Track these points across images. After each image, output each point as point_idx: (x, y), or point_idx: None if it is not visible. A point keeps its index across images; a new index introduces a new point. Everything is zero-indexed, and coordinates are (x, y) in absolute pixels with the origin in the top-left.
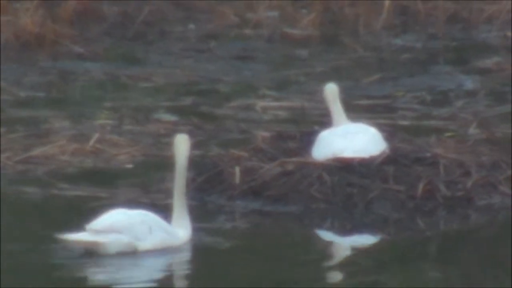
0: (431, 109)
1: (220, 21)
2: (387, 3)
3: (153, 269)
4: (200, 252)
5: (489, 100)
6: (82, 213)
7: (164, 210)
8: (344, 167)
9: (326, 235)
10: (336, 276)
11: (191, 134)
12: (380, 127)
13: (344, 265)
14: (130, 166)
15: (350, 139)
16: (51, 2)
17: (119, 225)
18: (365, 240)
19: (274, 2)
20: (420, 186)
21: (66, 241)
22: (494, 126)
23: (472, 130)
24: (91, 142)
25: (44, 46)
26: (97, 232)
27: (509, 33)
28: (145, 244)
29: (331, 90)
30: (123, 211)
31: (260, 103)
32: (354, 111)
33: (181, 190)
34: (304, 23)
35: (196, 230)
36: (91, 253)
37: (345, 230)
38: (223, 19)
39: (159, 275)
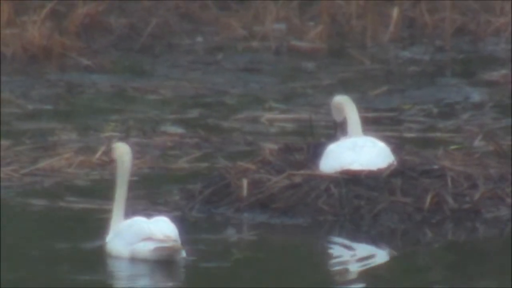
0: (437, 121)
1: (227, 34)
2: (394, 15)
3: (156, 279)
4: (207, 263)
5: (495, 112)
6: (88, 225)
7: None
8: (352, 180)
9: (333, 247)
10: None
11: (198, 146)
12: (387, 140)
13: (351, 278)
14: (136, 178)
15: (358, 152)
16: (58, 14)
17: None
18: (373, 252)
19: (281, 15)
20: (428, 199)
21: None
22: (500, 138)
23: (478, 143)
24: (98, 154)
25: (52, 58)
26: (171, 239)
27: None
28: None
29: (347, 101)
30: (159, 219)
31: (267, 115)
32: (361, 124)
33: (122, 197)
34: (311, 35)
35: (204, 242)
36: (163, 260)
37: (352, 243)
38: (230, 32)
39: (162, 285)
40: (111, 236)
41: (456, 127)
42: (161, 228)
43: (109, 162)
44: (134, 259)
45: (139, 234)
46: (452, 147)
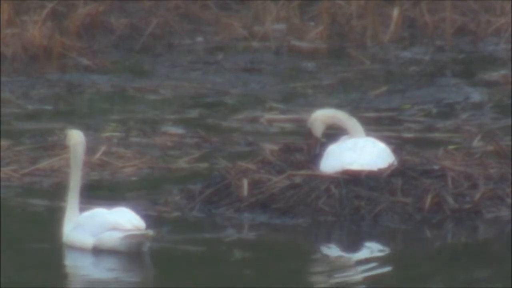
0: (436, 121)
1: (227, 34)
2: (395, 15)
3: (161, 277)
4: (208, 263)
5: (495, 112)
6: None
7: (172, 222)
8: (352, 180)
9: (333, 247)
10: None
11: (198, 146)
12: (387, 140)
13: (352, 278)
14: (136, 178)
15: (359, 152)
16: (59, 15)
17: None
18: (373, 252)
19: (282, 15)
20: (428, 199)
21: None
22: (499, 138)
23: (477, 143)
24: (98, 154)
25: (52, 58)
26: (139, 229)
27: None
28: None
29: (336, 112)
30: (121, 209)
31: (267, 116)
32: (361, 124)
33: (76, 187)
34: (311, 35)
35: (205, 242)
36: (134, 248)
37: (353, 243)
38: (231, 32)
39: (165, 284)
40: (70, 227)
41: (455, 127)
42: (127, 218)
43: (62, 148)
44: (99, 250)
45: (105, 224)
46: (450, 146)
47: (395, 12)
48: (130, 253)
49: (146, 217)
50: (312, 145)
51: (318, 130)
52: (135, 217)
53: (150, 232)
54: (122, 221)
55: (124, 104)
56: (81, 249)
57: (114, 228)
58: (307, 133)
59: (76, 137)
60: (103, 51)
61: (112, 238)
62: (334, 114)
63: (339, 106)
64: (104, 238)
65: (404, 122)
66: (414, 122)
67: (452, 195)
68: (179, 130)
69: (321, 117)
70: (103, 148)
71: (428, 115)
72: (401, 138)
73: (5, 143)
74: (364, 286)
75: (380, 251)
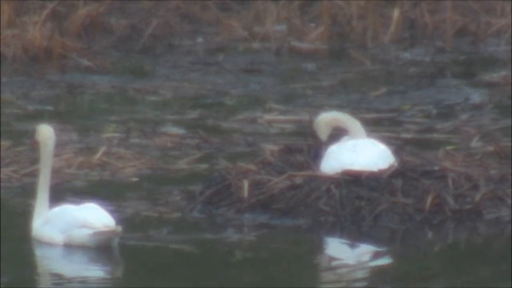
0: (435, 122)
1: (228, 35)
2: (395, 16)
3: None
4: (208, 264)
5: (494, 113)
6: None
7: (172, 223)
8: (353, 181)
9: (334, 248)
10: None
11: (198, 147)
12: (386, 141)
13: (352, 278)
14: (136, 179)
15: (359, 153)
16: (59, 15)
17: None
18: (373, 253)
19: (282, 16)
20: (429, 199)
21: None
22: (497, 139)
23: (475, 144)
24: (98, 155)
25: (52, 59)
26: (109, 226)
27: None
28: None
29: (339, 114)
30: (90, 206)
31: (267, 116)
32: (361, 125)
33: (46, 182)
34: (312, 36)
35: (205, 243)
36: (103, 244)
37: (353, 243)
38: (231, 33)
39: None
40: (39, 222)
41: (453, 128)
42: (96, 216)
43: (32, 144)
44: (68, 246)
45: (74, 222)
46: (448, 147)
47: (396, 13)
48: (100, 248)
49: (146, 218)
50: (315, 146)
51: (323, 133)
52: (104, 214)
53: (119, 229)
54: (91, 218)
55: (124, 105)
56: (50, 245)
57: (83, 226)
58: (311, 135)
59: (46, 133)
60: (103, 51)
61: (81, 235)
62: (337, 116)
63: (339, 107)
64: (73, 235)
65: (403, 123)
66: (413, 123)
67: (452, 196)
68: (180, 131)
69: (325, 120)
70: (103, 149)
71: (427, 116)
72: (400, 139)
73: (5, 143)
74: (364, 286)
75: (380, 251)
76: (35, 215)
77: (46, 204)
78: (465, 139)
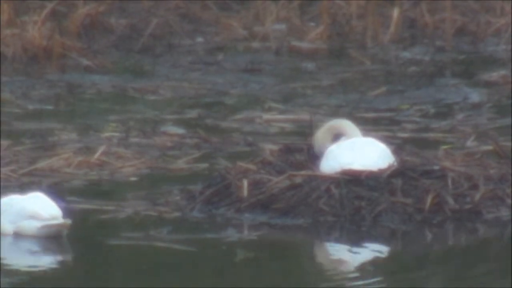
0: (432, 121)
1: (227, 34)
2: (395, 16)
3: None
4: (208, 264)
5: (492, 113)
6: (87, 225)
7: (172, 223)
8: (352, 180)
9: (334, 248)
10: None
11: (198, 147)
12: (385, 140)
13: (352, 279)
14: (135, 178)
15: (358, 152)
16: (59, 15)
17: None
18: (373, 253)
19: (282, 15)
20: (428, 199)
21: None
22: (494, 138)
23: (470, 143)
24: (97, 154)
25: (52, 59)
26: (56, 218)
27: None
28: None
29: (331, 124)
30: (36, 195)
31: (267, 116)
32: (359, 124)
33: None
34: (311, 36)
35: (205, 242)
36: (52, 235)
37: (353, 243)
38: (231, 32)
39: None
40: None
41: (450, 127)
42: (44, 206)
43: None
44: (19, 236)
45: (22, 213)
46: (444, 146)
47: (395, 13)
48: (49, 238)
49: (146, 217)
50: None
51: (325, 145)
52: (51, 204)
53: (68, 221)
54: (39, 209)
55: (124, 104)
56: (2, 235)
57: (32, 217)
58: (308, 133)
59: None
60: (103, 51)
61: (30, 227)
62: (329, 127)
63: (338, 107)
64: (23, 226)
65: (401, 123)
66: (410, 123)
67: (452, 195)
68: (179, 131)
69: (322, 135)
70: (102, 148)
71: (425, 115)
72: (396, 138)
73: (5, 143)
74: (364, 286)
75: (380, 251)
76: None
77: None
78: (461, 138)
